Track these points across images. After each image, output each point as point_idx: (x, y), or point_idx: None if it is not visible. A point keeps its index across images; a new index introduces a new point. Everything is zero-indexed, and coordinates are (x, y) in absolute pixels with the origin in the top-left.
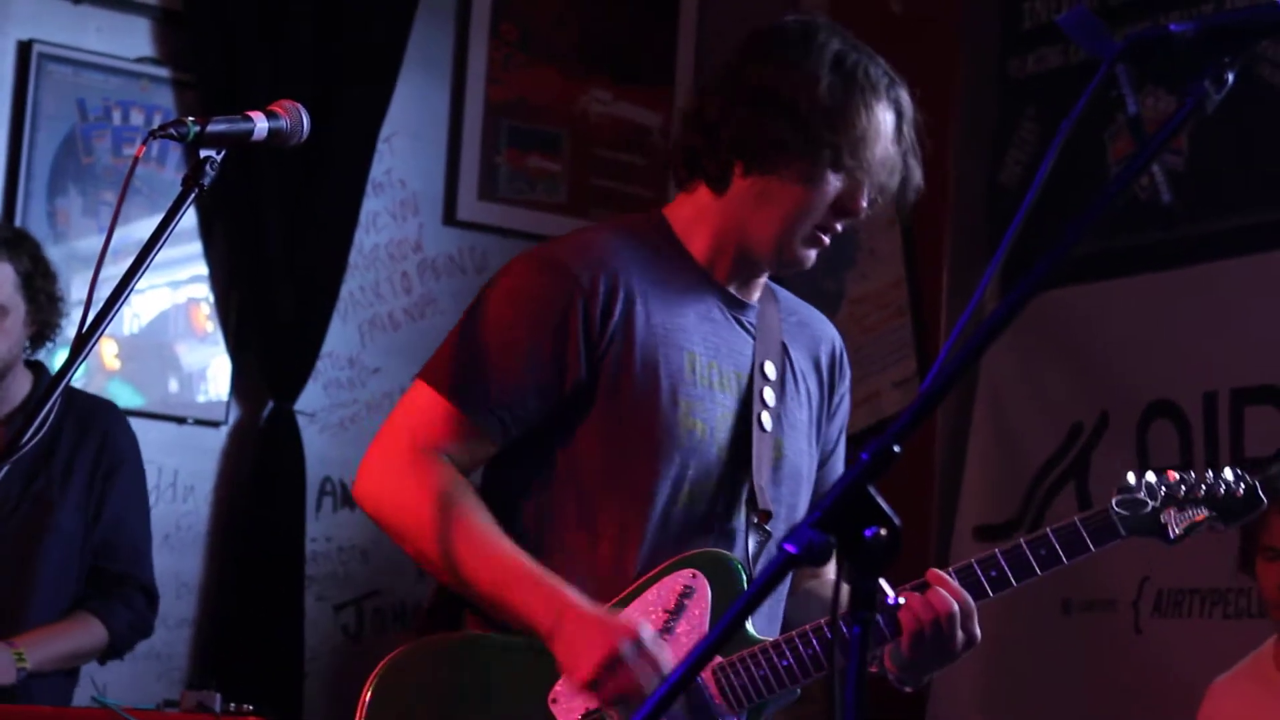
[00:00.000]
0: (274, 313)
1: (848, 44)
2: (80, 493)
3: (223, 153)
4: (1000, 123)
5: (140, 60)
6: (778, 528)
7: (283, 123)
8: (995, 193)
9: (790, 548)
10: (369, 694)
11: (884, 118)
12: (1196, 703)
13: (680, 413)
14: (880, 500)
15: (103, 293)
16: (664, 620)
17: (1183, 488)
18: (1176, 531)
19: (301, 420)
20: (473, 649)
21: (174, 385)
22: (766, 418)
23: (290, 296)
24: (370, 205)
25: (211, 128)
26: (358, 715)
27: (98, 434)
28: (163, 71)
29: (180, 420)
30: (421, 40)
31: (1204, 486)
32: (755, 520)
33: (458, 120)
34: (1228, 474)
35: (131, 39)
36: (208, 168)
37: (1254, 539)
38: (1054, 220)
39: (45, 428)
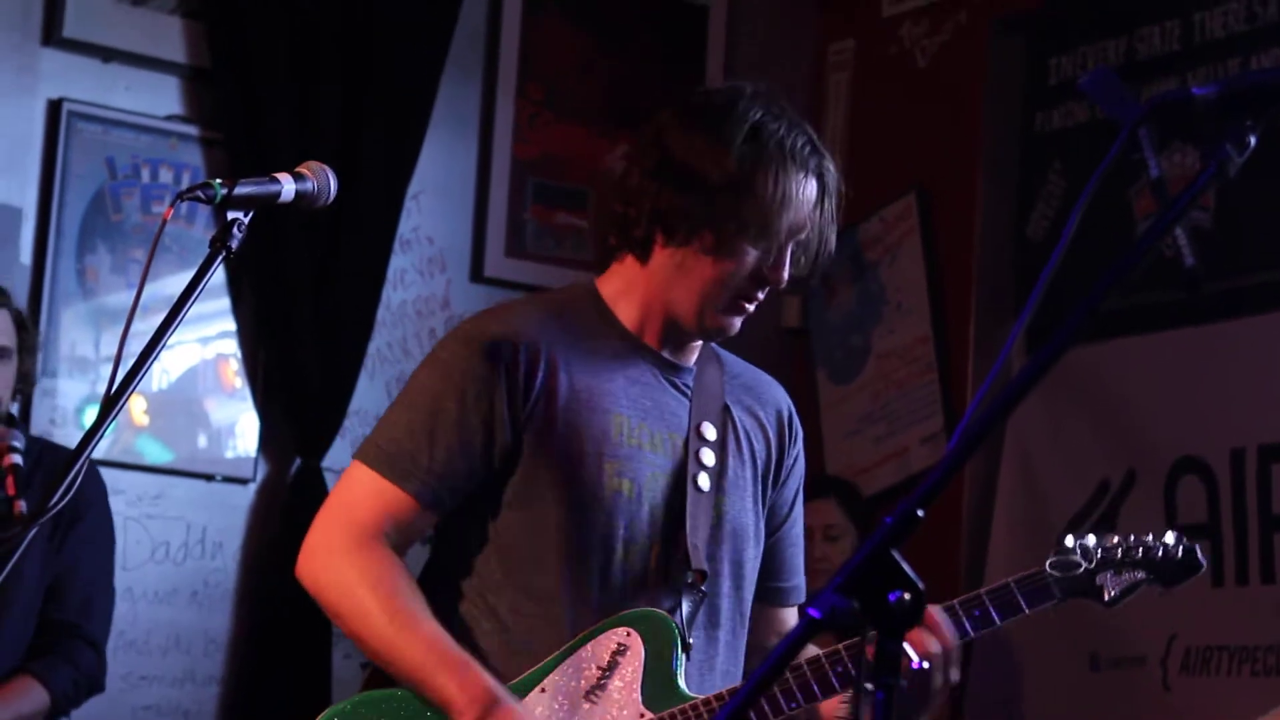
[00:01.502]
0: (301, 370)
1: (771, 113)
2: (44, 542)
3: (250, 214)
4: (1026, 177)
5: (169, 118)
6: (716, 588)
7: (309, 184)
8: (1022, 247)
9: (814, 612)
10: None
11: (799, 187)
12: None
13: (606, 474)
14: (904, 564)
15: (132, 348)
16: (597, 677)
17: (1119, 550)
18: (1112, 594)
19: (329, 477)
20: (415, 703)
21: (203, 441)
22: (704, 478)
23: (318, 353)
24: (398, 262)
25: (239, 190)
26: None
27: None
28: (191, 129)
29: (209, 478)
30: (448, 98)
31: (1142, 548)
32: (691, 580)
33: (485, 177)
34: (1168, 537)
35: (161, 97)
36: (235, 229)
37: None
38: (1079, 278)
39: (72, 491)
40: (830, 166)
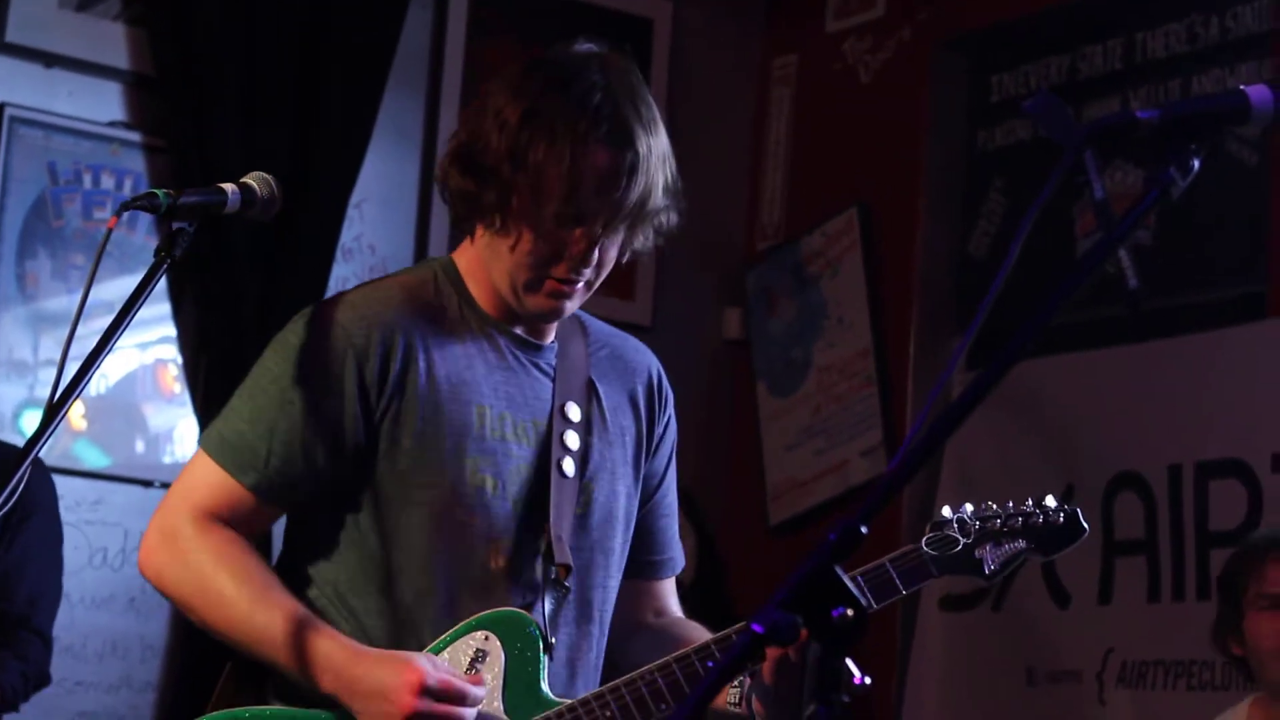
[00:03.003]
0: (243, 377)
1: (577, 75)
2: None
3: (195, 224)
4: (968, 194)
5: (112, 124)
6: (586, 579)
7: (255, 194)
8: (963, 263)
9: (757, 628)
10: None
11: (575, 158)
12: None
13: (467, 470)
14: (847, 580)
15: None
16: None
17: (998, 520)
18: (992, 566)
19: None
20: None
21: (140, 446)
22: (568, 463)
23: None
24: (340, 270)
25: (184, 199)
26: None
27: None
28: (134, 136)
29: (147, 484)
30: (392, 107)
31: (1021, 518)
32: (554, 575)
33: (427, 186)
34: (1049, 501)
35: (103, 103)
36: (180, 239)
37: (1237, 599)
38: (1020, 293)
39: (16, 495)
40: (633, 134)
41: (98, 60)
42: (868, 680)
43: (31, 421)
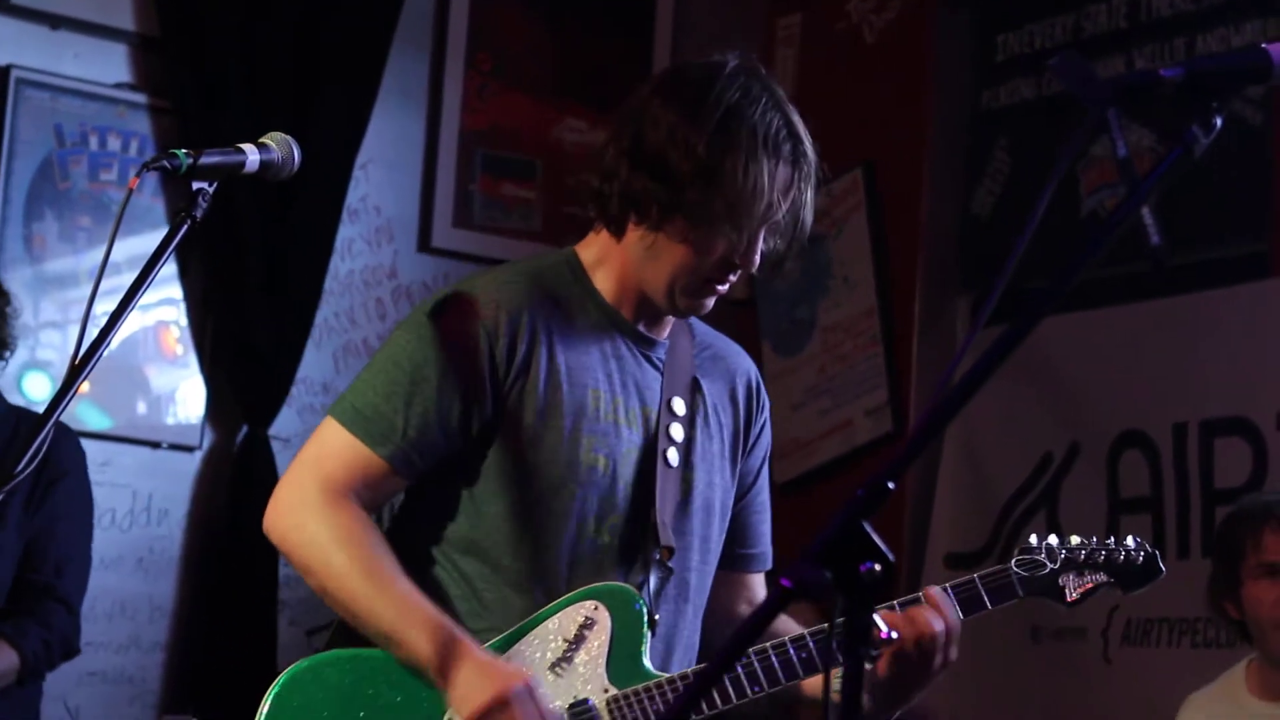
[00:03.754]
0: (249, 338)
1: (749, 96)
2: (20, 506)
3: (215, 185)
4: (972, 153)
5: (118, 86)
6: (685, 562)
7: (274, 155)
8: (968, 222)
9: (786, 582)
10: (267, 705)
11: (770, 175)
12: None
13: (582, 449)
14: (874, 535)
15: (71, 315)
16: (563, 650)
17: (1083, 552)
18: (1073, 595)
19: (276, 445)
20: (379, 663)
21: (142, 407)
22: (673, 453)
23: (265, 322)
24: (345, 232)
25: (204, 159)
26: None
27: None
28: (140, 97)
29: (155, 445)
30: (397, 68)
31: (1104, 553)
32: (659, 556)
33: (433, 148)
34: (1129, 542)
35: (109, 65)
36: (200, 200)
37: (1234, 566)
38: (1026, 253)
39: (41, 455)
40: (807, 149)
41: (104, 22)
42: (894, 635)
43: (34, 383)
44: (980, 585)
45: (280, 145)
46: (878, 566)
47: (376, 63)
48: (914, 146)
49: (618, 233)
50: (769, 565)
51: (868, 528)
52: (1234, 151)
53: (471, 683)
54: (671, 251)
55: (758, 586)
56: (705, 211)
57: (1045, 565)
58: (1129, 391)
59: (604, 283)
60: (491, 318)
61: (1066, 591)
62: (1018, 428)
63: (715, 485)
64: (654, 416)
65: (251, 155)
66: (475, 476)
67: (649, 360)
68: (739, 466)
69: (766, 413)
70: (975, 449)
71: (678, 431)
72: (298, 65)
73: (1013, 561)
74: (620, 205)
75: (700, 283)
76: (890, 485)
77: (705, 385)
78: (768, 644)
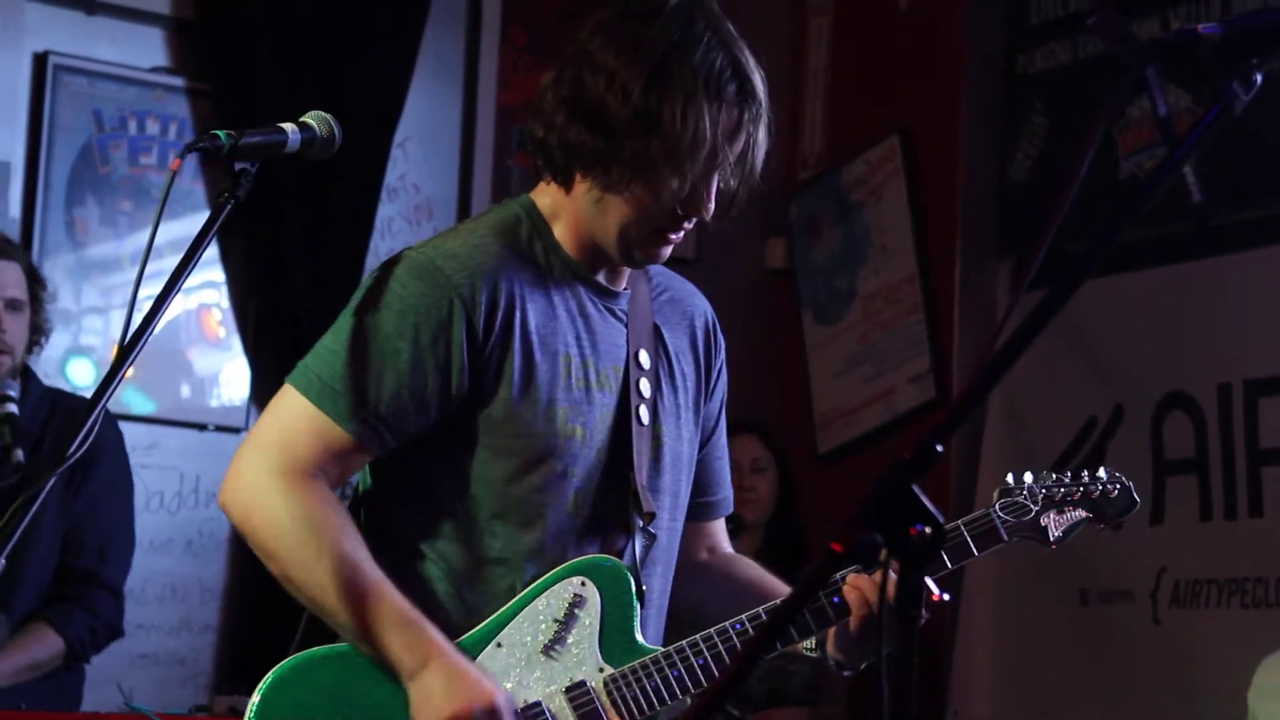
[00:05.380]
0: (292, 318)
1: (692, 31)
2: (59, 490)
3: (257, 165)
4: (1008, 118)
5: (155, 70)
6: (662, 525)
7: (315, 133)
8: (1004, 187)
9: (836, 546)
10: (257, 698)
11: (711, 120)
12: (1217, 692)
13: (559, 421)
14: (924, 498)
15: (114, 300)
16: (555, 631)
17: (1060, 489)
18: (1057, 534)
19: None
20: (367, 660)
21: (186, 390)
22: (644, 410)
23: (308, 302)
24: (385, 210)
25: (246, 140)
26: None
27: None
28: (177, 81)
29: (201, 427)
30: (433, 45)
31: (1080, 488)
32: (641, 523)
33: (470, 125)
34: (1102, 474)
35: (145, 49)
36: (242, 180)
37: None
38: (1066, 216)
39: (91, 439)
40: (755, 87)
41: (139, 6)
42: (946, 596)
43: (77, 369)
44: (965, 532)
45: (320, 124)
46: (928, 529)
47: (412, 40)
48: (950, 112)
49: (565, 184)
50: (730, 509)
51: (917, 490)
52: (1272, 110)
53: (435, 691)
54: (618, 203)
55: (718, 533)
56: (645, 161)
57: (1029, 508)
58: (1172, 353)
59: (563, 234)
60: (467, 285)
61: (1050, 531)
62: (1061, 392)
63: (683, 438)
64: (623, 374)
65: (293, 134)
66: (448, 453)
67: (612, 313)
68: (701, 414)
69: (723, 354)
70: (1019, 413)
71: (645, 387)
72: (333, 44)
73: (995, 505)
74: (563, 158)
75: (650, 233)
76: (938, 448)
77: (666, 334)
78: (760, 608)
